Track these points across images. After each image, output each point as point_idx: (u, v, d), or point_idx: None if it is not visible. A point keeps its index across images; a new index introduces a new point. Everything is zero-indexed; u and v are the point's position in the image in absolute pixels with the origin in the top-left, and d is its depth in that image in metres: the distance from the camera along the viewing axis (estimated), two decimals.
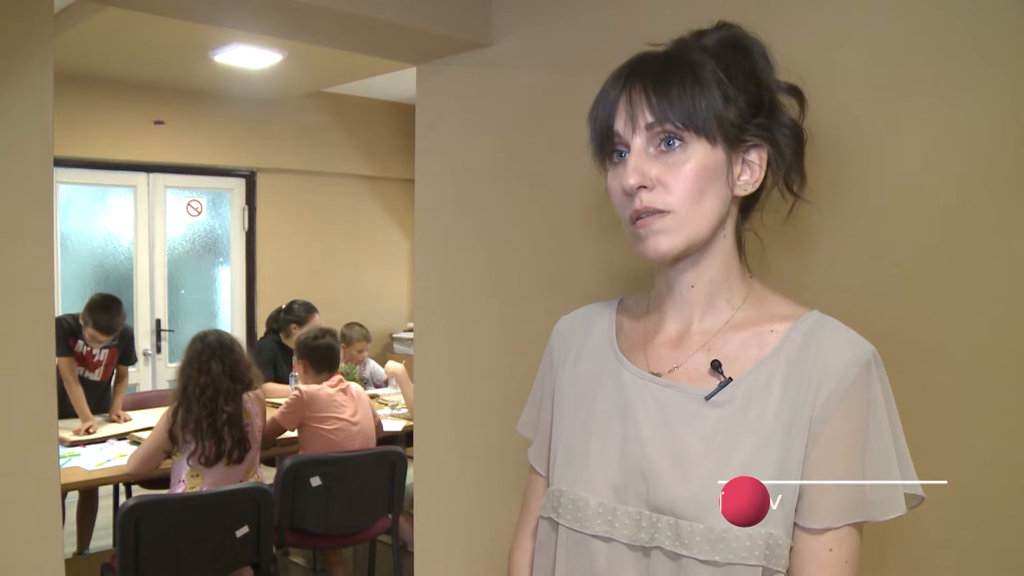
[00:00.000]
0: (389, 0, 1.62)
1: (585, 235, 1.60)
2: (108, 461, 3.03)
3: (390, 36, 1.75)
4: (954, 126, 1.09)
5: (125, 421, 3.60)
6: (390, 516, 3.17)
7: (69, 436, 3.27)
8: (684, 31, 0.96)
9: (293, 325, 4.26)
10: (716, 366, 0.88)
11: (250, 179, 5.52)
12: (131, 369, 3.92)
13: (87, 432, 3.34)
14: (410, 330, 5.62)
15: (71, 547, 3.70)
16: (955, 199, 1.10)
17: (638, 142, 0.85)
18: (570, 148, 1.62)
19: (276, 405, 3.34)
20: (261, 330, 5.34)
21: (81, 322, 3.48)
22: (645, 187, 0.84)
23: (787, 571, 0.84)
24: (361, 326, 4.42)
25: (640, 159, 0.85)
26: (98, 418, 3.53)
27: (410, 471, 3.12)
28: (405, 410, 3.87)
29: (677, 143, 0.84)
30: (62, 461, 2.95)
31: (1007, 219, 1.06)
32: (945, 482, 0.86)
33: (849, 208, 1.18)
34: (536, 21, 1.69)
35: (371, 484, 3.09)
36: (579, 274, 1.61)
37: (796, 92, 0.93)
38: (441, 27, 1.71)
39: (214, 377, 2.79)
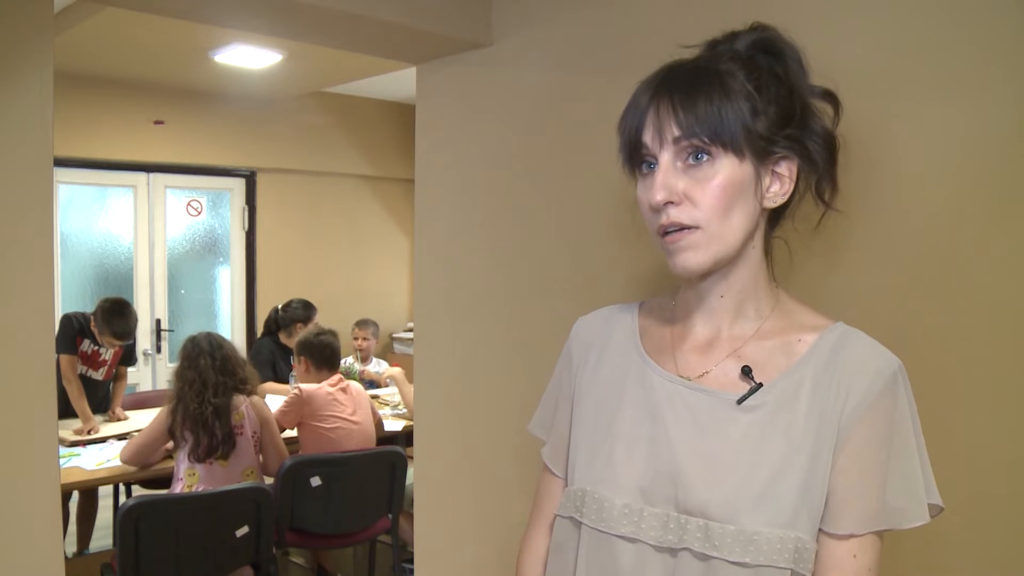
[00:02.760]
0: (389, 0, 1.62)
1: (586, 235, 1.60)
2: (108, 461, 3.03)
3: (390, 36, 1.75)
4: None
5: (122, 420, 3.60)
6: (390, 516, 3.17)
7: (69, 436, 3.27)
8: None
9: (298, 324, 4.27)
10: (747, 371, 0.88)
11: (250, 179, 5.52)
12: (131, 369, 3.93)
13: (89, 433, 3.34)
14: (410, 330, 5.63)
15: (71, 547, 3.70)
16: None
17: (666, 156, 0.85)
18: (571, 147, 1.63)
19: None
20: (261, 330, 5.36)
21: (94, 329, 3.49)
22: (672, 202, 0.84)
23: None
24: (364, 322, 4.49)
25: (667, 174, 0.84)
26: (98, 417, 3.54)
27: (410, 471, 3.12)
28: (405, 410, 3.88)
29: (705, 157, 0.84)
30: (62, 461, 2.96)
31: None
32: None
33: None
34: (536, 21, 1.69)
35: (371, 484, 3.09)
36: (580, 274, 1.61)
37: (831, 97, 0.92)
38: (441, 27, 1.71)
39: (202, 371, 2.85)
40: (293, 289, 5.02)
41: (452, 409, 1.94)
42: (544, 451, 1.07)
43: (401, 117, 5.84)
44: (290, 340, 4.26)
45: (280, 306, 4.45)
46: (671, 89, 0.85)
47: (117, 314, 3.47)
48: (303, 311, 4.36)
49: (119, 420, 3.60)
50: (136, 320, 3.58)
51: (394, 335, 6.04)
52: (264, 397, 3.28)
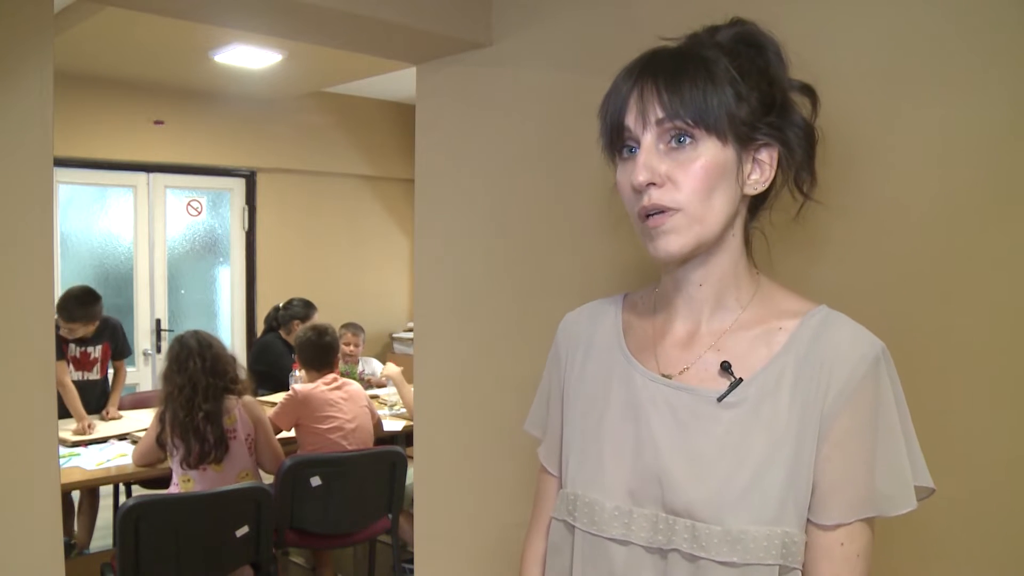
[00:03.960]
0: (389, 0, 1.62)
1: (586, 234, 1.60)
2: (108, 461, 3.04)
3: (390, 36, 1.75)
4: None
5: (113, 419, 3.59)
6: (390, 516, 3.17)
7: (69, 436, 3.27)
8: (685, 29, 0.96)
9: (296, 322, 4.30)
10: (726, 367, 0.88)
11: (250, 179, 5.52)
12: (131, 369, 3.93)
13: (86, 431, 3.34)
14: (410, 330, 5.63)
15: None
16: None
17: (648, 138, 0.84)
18: (570, 147, 1.63)
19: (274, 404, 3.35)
20: (261, 330, 5.36)
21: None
22: (654, 184, 0.84)
23: (802, 567, 0.84)
24: (354, 325, 4.46)
25: (650, 156, 0.84)
26: (97, 416, 3.54)
27: (410, 471, 3.12)
28: (405, 410, 3.88)
29: (688, 140, 0.83)
30: (62, 461, 2.96)
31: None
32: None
33: (856, 208, 1.18)
34: (536, 20, 1.69)
35: (371, 484, 3.10)
36: (579, 274, 1.61)
37: (809, 91, 0.93)
38: (441, 27, 1.71)
39: (191, 375, 2.77)
40: (293, 289, 5.02)
41: (452, 409, 1.94)
42: (540, 451, 1.08)
43: (401, 117, 5.84)
44: (290, 337, 4.29)
45: (281, 304, 4.47)
46: (655, 72, 0.85)
47: (73, 298, 3.48)
48: (303, 309, 4.40)
49: (113, 419, 3.59)
50: (99, 306, 3.56)
51: (394, 335, 6.04)
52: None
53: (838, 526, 0.83)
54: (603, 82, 0.92)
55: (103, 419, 3.58)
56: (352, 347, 4.41)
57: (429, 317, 2.00)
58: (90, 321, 3.56)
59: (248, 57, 4.14)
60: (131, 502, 2.45)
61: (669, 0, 1.43)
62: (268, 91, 5.06)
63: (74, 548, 3.64)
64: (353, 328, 4.46)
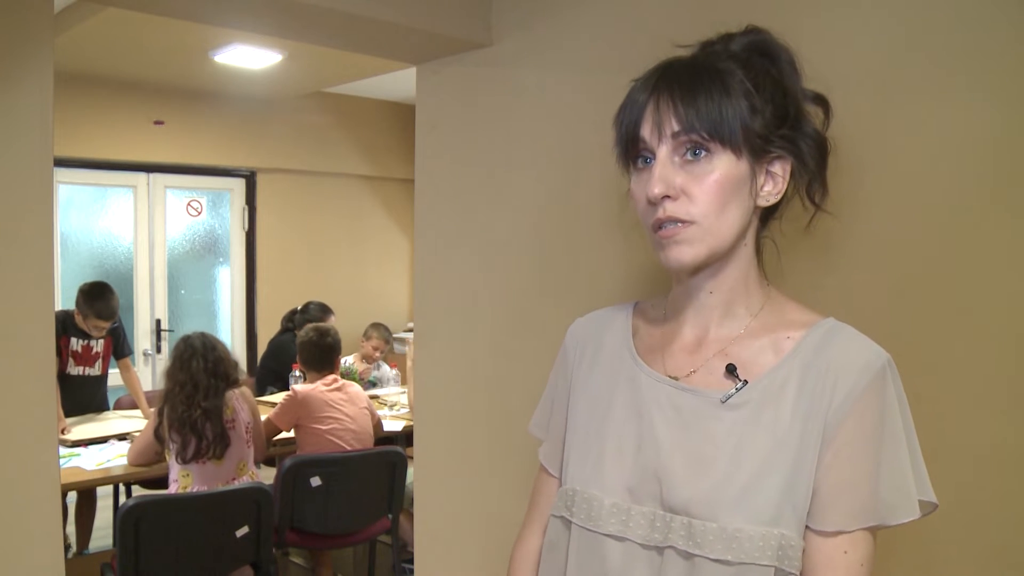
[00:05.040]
0: (389, 0, 1.62)
1: (586, 235, 1.60)
2: (108, 461, 3.04)
3: (390, 36, 1.75)
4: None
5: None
6: (390, 516, 3.17)
7: (69, 437, 3.27)
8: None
9: (308, 324, 4.33)
10: (731, 370, 0.88)
11: (250, 179, 5.52)
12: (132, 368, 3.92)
13: (61, 433, 3.32)
14: (410, 330, 5.63)
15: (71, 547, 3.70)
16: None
17: (664, 151, 0.85)
18: (570, 147, 1.63)
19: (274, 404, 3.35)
20: (261, 330, 5.38)
21: (79, 316, 3.47)
22: (669, 196, 0.84)
23: (801, 574, 0.84)
24: (385, 328, 4.48)
25: (665, 168, 0.85)
26: (106, 414, 3.52)
27: (410, 471, 3.12)
28: (405, 410, 3.88)
29: (703, 153, 0.84)
30: (62, 461, 2.96)
31: None
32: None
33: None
34: (536, 21, 1.69)
35: (371, 484, 3.10)
36: (579, 274, 1.61)
37: (822, 101, 0.93)
38: (441, 27, 1.71)
39: (193, 374, 2.81)
40: (293, 289, 5.03)
41: (452, 409, 1.94)
42: (541, 451, 1.08)
43: (401, 117, 5.85)
44: None
45: (299, 307, 4.54)
46: (671, 85, 0.85)
47: (98, 296, 3.48)
48: (319, 313, 4.49)
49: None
50: (118, 300, 3.57)
51: (394, 335, 6.04)
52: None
53: (838, 533, 0.83)
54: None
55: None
56: (378, 353, 4.44)
57: (429, 317, 2.00)
58: (117, 312, 3.57)
59: (248, 57, 4.14)
60: (131, 502, 2.45)
61: (669, 0, 1.43)
62: (268, 91, 5.06)
63: (69, 548, 3.64)
64: (385, 332, 4.48)
